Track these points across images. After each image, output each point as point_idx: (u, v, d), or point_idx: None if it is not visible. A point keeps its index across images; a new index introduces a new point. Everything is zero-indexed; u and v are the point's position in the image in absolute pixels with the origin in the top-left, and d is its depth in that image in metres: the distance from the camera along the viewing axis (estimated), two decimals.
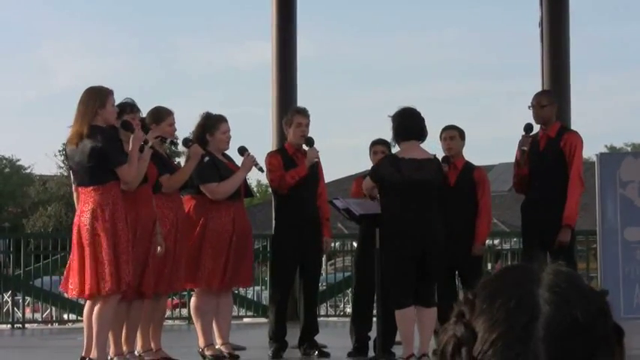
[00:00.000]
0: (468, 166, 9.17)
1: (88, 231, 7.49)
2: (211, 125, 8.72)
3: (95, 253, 7.45)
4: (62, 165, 46.87)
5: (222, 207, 8.58)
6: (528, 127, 8.81)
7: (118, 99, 7.88)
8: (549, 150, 8.71)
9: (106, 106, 7.57)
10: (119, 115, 7.94)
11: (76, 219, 7.65)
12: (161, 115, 8.44)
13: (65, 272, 7.90)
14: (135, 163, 7.61)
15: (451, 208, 8.54)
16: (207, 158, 8.46)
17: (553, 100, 9.04)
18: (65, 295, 11.30)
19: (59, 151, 47.01)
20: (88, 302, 7.70)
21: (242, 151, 8.80)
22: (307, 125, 9.10)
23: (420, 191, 7.98)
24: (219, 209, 8.57)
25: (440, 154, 8.87)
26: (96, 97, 7.57)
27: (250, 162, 8.67)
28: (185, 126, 9.04)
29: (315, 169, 9.11)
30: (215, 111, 8.93)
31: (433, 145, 8.99)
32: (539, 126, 8.88)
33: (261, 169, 8.78)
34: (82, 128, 7.51)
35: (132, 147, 7.64)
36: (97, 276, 7.44)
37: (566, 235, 8.56)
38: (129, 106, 8.12)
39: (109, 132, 7.60)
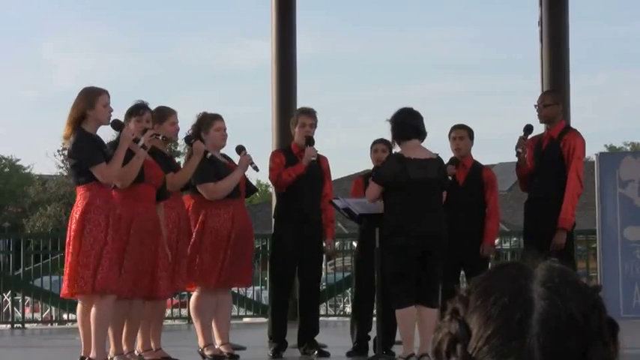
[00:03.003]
0: (477, 165, 9.18)
1: (69, 231, 7.60)
2: (206, 124, 8.73)
3: (69, 254, 7.55)
4: (62, 165, 46.88)
5: (221, 205, 8.57)
6: (527, 129, 8.82)
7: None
8: (550, 150, 8.72)
9: (96, 106, 7.57)
10: (132, 116, 7.98)
11: None
12: (163, 114, 8.45)
13: None
14: (119, 161, 7.59)
15: (459, 207, 8.55)
16: (209, 154, 8.47)
17: (558, 99, 9.04)
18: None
19: (59, 151, 47.03)
20: (80, 303, 7.73)
21: (239, 150, 8.78)
22: (312, 126, 9.09)
23: (424, 190, 7.97)
24: (218, 208, 8.57)
25: (447, 152, 8.88)
26: (84, 99, 7.59)
27: (246, 161, 8.65)
28: (184, 125, 9.05)
29: (319, 169, 9.11)
30: (215, 110, 8.95)
31: (439, 144, 8.99)
32: (544, 126, 8.89)
33: (256, 168, 8.73)
34: (66, 130, 7.57)
35: (119, 145, 7.64)
36: (68, 276, 7.56)
37: (562, 237, 8.57)
38: (141, 108, 8.13)
39: (85, 132, 7.59)
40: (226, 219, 8.56)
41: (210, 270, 8.48)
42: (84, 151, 7.53)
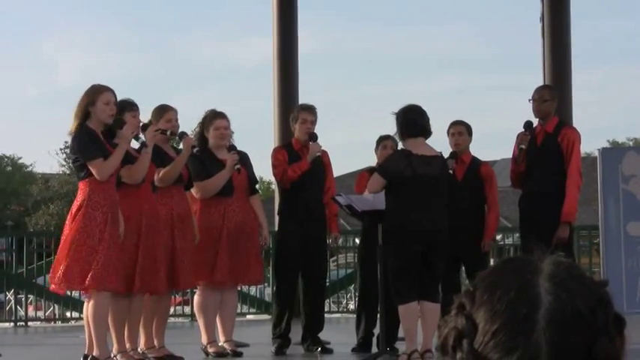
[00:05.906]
0: (475, 161, 9.18)
1: (66, 224, 7.62)
2: (207, 122, 8.74)
3: (63, 246, 7.55)
4: (64, 163, 46.91)
5: (212, 203, 8.59)
6: (528, 125, 8.80)
7: (120, 95, 7.88)
8: (547, 145, 8.70)
9: (96, 103, 7.55)
10: (119, 113, 7.92)
11: None
12: (161, 111, 8.45)
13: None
14: (117, 159, 7.56)
15: (458, 203, 8.54)
16: (196, 149, 8.46)
17: (555, 95, 9.04)
18: (67, 292, 11.31)
19: (61, 149, 47.08)
20: (87, 300, 7.73)
21: (229, 149, 8.73)
22: (313, 122, 9.10)
23: (427, 187, 7.98)
24: (209, 205, 8.59)
25: (445, 149, 8.88)
26: (87, 95, 7.59)
27: (231, 161, 8.61)
28: (185, 122, 9.06)
29: (321, 164, 9.10)
30: (216, 107, 8.94)
31: (438, 140, 8.99)
32: (537, 120, 8.87)
33: (238, 170, 8.63)
34: (72, 126, 7.59)
35: (119, 144, 7.64)
36: (60, 269, 7.53)
37: (565, 231, 8.57)
38: (128, 105, 8.10)
39: (86, 128, 7.58)
40: (216, 217, 8.57)
41: (200, 268, 8.47)
42: (82, 146, 7.53)
